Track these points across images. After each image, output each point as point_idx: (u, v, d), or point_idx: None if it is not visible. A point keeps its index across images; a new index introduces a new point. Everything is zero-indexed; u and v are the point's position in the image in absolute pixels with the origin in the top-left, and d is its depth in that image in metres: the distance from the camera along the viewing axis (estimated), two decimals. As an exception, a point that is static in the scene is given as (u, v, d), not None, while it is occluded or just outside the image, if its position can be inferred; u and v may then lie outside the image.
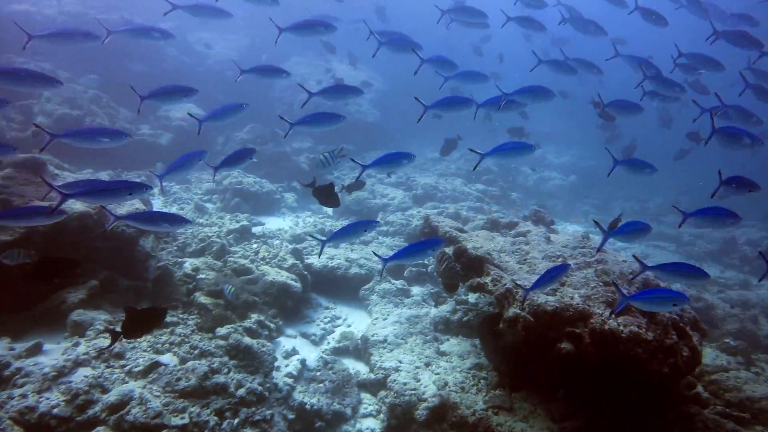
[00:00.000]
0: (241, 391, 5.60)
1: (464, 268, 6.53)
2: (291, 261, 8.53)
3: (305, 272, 8.56)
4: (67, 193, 4.42)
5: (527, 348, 5.47)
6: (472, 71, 7.17)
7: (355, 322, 8.18)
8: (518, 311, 5.21)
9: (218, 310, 6.76)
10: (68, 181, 6.02)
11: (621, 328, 4.93)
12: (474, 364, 6.42)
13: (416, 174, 15.87)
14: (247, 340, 6.29)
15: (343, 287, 8.99)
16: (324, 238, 5.05)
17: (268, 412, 5.64)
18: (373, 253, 5.67)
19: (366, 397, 6.53)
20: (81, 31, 6.04)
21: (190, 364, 5.63)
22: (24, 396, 4.69)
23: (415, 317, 7.75)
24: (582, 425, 5.19)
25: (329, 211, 12.38)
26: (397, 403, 5.96)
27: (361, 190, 11.70)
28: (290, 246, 9.37)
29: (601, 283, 5.68)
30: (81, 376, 5.02)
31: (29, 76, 5.17)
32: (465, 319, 7.45)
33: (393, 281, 8.97)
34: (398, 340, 7.17)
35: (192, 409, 5.16)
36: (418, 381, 6.20)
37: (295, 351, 7.04)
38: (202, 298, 6.90)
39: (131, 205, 7.56)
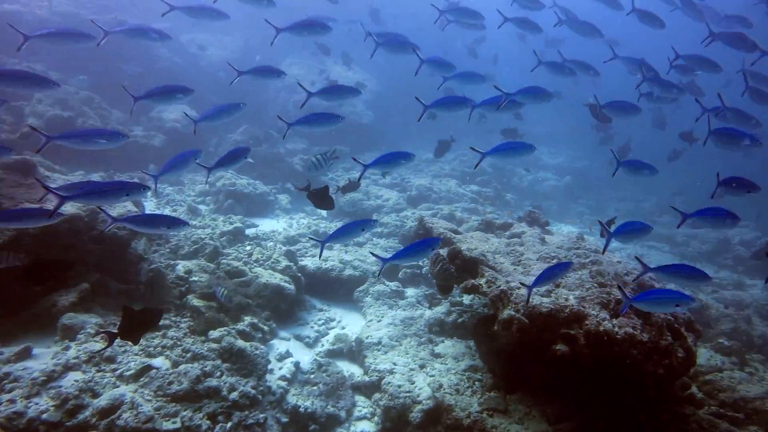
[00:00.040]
0: (234, 395, 5.54)
1: (458, 270, 6.50)
2: (284, 263, 8.48)
3: (299, 274, 8.52)
4: (64, 195, 4.38)
5: (522, 350, 5.45)
6: (470, 72, 7.20)
7: (349, 324, 8.14)
8: (513, 313, 5.19)
9: (211, 312, 6.71)
10: (62, 185, 5.97)
11: (616, 329, 4.91)
12: (469, 366, 6.39)
13: (411, 175, 15.85)
14: (240, 342, 6.23)
15: (338, 289, 8.95)
16: (321, 239, 5.02)
17: (262, 415, 5.60)
18: (372, 253, 5.64)
19: (360, 399, 6.49)
20: (78, 31, 5.99)
21: (182, 367, 5.57)
22: (12, 401, 4.61)
23: (410, 319, 7.72)
24: (577, 427, 5.17)
25: (323, 212, 12.33)
26: (391, 405, 5.92)
27: (356, 191, 11.66)
28: (284, 248, 9.32)
29: (595, 285, 5.66)
30: (71, 381, 4.95)
31: (27, 77, 5.13)
32: (460, 320, 7.43)
33: (387, 283, 8.94)
34: (393, 342, 7.14)
35: (184, 413, 5.10)
36: (413, 383, 6.17)
37: (289, 353, 6.99)
38: (194, 301, 6.85)
39: (123, 207, 7.49)
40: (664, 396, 5.44)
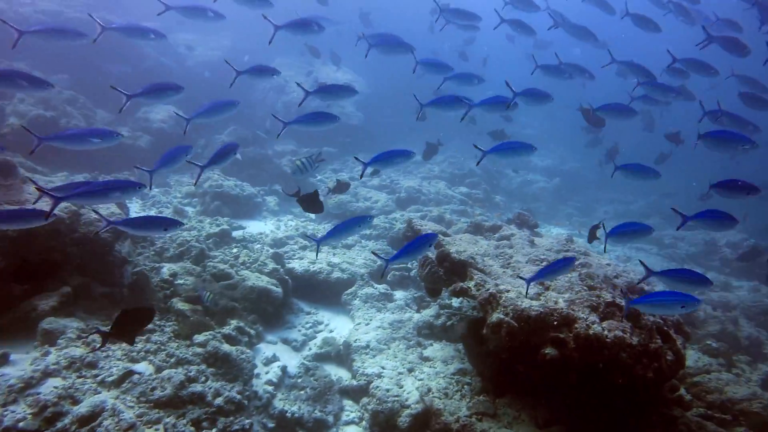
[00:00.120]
0: (219, 400, 5.44)
1: (447, 273, 6.44)
2: (272, 265, 8.37)
3: (286, 277, 8.41)
4: (59, 196, 4.31)
5: (511, 353, 5.40)
6: (468, 73, 7.22)
7: (337, 327, 8.05)
8: (502, 316, 5.14)
9: (196, 316, 6.59)
10: (59, 185, 5.87)
11: (605, 332, 4.88)
12: (458, 370, 6.33)
13: (400, 177, 15.79)
14: (225, 347, 6.13)
15: (325, 292, 8.86)
16: (317, 239, 4.97)
17: (247, 421, 5.49)
18: (374, 253, 5.61)
19: (348, 404, 6.42)
20: (72, 29, 5.96)
21: (165, 372, 5.46)
22: (-12, 409, 4.48)
23: (398, 322, 7.65)
24: (567, 431, 5.13)
25: (311, 215, 12.23)
26: (379, 410, 5.85)
27: (344, 193, 11.59)
28: (271, 250, 9.21)
29: (585, 287, 5.63)
30: (50, 387, 4.81)
31: (21, 77, 5.02)
32: (449, 323, 7.37)
33: (376, 285, 8.87)
34: (381, 346, 7.07)
35: (167, 420, 4.99)
36: (401, 387, 6.10)
37: (276, 357, 6.89)
38: (179, 305, 6.73)
39: (107, 209, 7.34)
40: (653, 398, 5.42)
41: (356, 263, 9.48)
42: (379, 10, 20.34)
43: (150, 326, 6.27)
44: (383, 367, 6.54)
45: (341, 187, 9.36)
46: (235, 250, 8.86)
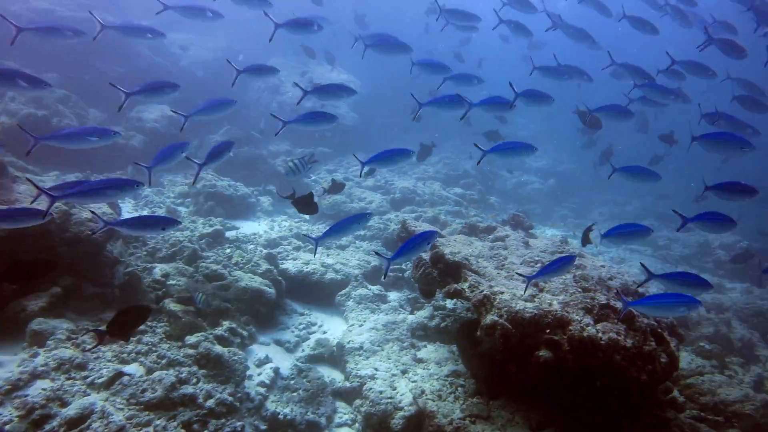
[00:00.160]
0: (211, 402, 5.38)
1: (441, 274, 6.41)
2: (265, 266, 8.31)
3: (279, 278, 8.36)
4: (56, 195, 4.28)
5: (505, 355, 5.37)
6: (466, 74, 7.23)
7: (330, 328, 8.01)
8: (496, 318, 5.11)
9: (188, 317, 6.52)
10: (55, 184, 5.84)
11: (600, 335, 4.86)
12: (451, 371, 6.30)
13: (394, 177, 15.75)
14: (217, 348, 6.07)
15: (319, 293, 8.81)
16: (316, 237, 4.96)
17: (239, 423, 5.44)
18: (375, 252, 5.60)
19: (341, 405, 6.37)
20: (72, 27, 6.00)
21: (156, 374, 5.40)
22: (-26, 412, 4.41)
23: (392, 323, 7.62)
24: (560, 433, 5.11)
25: (306, 216, 12.17)
26: (372, 412, 5.81)
27: (339, 193, 11.54)
28: (265, 251, 9.15)
29: (579, 289, 5.61)
30: (38, 389, 4.75)
31: (19, 77, 4.98)
32: (443, 325, 7.34)
33: (370, 286, 8.83)
34: (374, 347, 7.03)
35: (157, 422, 4.93)
36: (395, 389, 6.06)
37: (269, 359, 6.83)
38: (171, 305, 6.65)
39: (98, 208, 7.27)
40: (647, 401, 5.41)
41: (350, 264, 9.44)
42: (373, 11, 20.29)
43: (141, 327, 6.21)
44: (377, 369, 6.50)
45: (336, 187, 9.32)
46: (228, 251, 8.80)
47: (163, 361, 5.71)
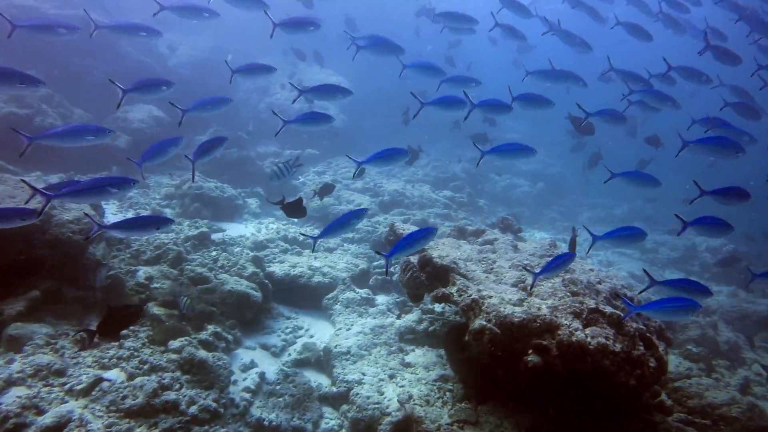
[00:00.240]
0: (194, 409, 5.27)
1: (429, 278, 6.34)
2: (251, 269, 8.20)
3: (266, 281, 8.24)
4: (51, 194, 4.19)
5: (494, 360, 5.31)
6: (465, 75, 7.31)
7: (317, 332, 7.91)
8: (484, 323, 5.05)
9: (172, 321, 6.40)
10: (51, 184, 5.74)
11: (589, 339, 4.82)
12: (439, 376, 6.24)
13: (383, 180, 15.68)
14: (201, 353, 5.95)
15: (306, 296, 8.70)
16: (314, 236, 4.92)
17: (223, 430, 5.34)
18: (376, 252, 5.57)
19: (328, 411, 6.28)
20: (67, 23, 5.99)
21: (138, 380, 5.28)
22: (-53, 420, 4.27)
23: (380, 327, 7.54)
24: (549, 439, 5.06)
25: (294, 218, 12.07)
26: (359, 417, 5.73)
27: (328, 195, 11.45)
28: (251, 254, 9.02)
29: (568, 293, 5.57)
30: (13, 397, 4.61)
31: (13, 74, 4.87)
32: (431, 329, 7.27)
33: (357, 290, 8.74)
34: (362, 352, 6.94)
35: (138, 430, 4.81)
36: (382, 394, 5.98)
37: (254, 364, 6.72)
38: (155, 309, 6.52)
39: (79, 209, 7.12)
40: (635, 404, 5.39)
41: (338, 267, 9.35)
42: (363, 15, 20.21)
43: (123, 332, 6.07)
44: (364, 374, 6.42)
45: (326, 189, 9.24)
46: (214, 253, 8.67)
47: (146, 367, 5.59)
